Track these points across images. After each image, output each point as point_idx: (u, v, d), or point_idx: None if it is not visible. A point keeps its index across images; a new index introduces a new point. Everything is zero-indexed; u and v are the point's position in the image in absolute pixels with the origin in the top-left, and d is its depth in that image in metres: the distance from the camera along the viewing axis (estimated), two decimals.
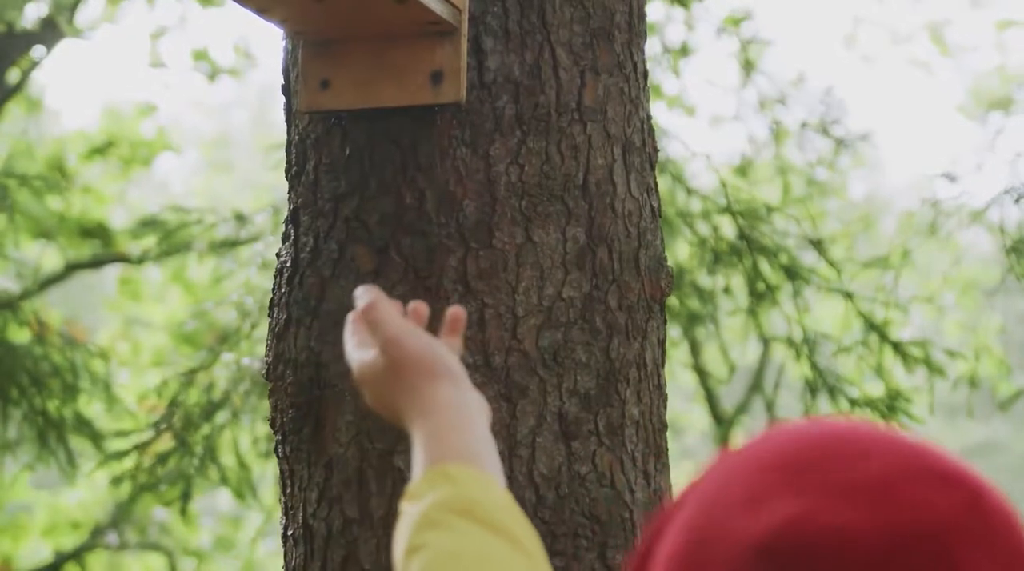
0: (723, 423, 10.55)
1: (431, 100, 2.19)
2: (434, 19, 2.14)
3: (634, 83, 2.36)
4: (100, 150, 10.15)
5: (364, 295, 1.76)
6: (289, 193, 2.36)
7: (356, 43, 2.22)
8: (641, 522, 2.25)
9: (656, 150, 2.42)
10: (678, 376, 10.47)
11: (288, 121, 2.39)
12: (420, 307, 1.83)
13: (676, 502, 1.15)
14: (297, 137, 2.35)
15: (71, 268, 10.28)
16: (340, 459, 2.22)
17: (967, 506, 1.07)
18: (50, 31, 9.77)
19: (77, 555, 10.55)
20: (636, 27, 2.38)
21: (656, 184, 2.42)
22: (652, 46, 8.20)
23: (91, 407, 6.35)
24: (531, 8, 2.26)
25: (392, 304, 1.76)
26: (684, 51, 8.31)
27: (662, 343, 2.38)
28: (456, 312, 1.84)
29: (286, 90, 2.40)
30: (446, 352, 1.72)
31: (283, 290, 2.33)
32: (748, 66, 7.35)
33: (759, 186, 6.80)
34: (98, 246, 9.33)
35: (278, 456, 2.35)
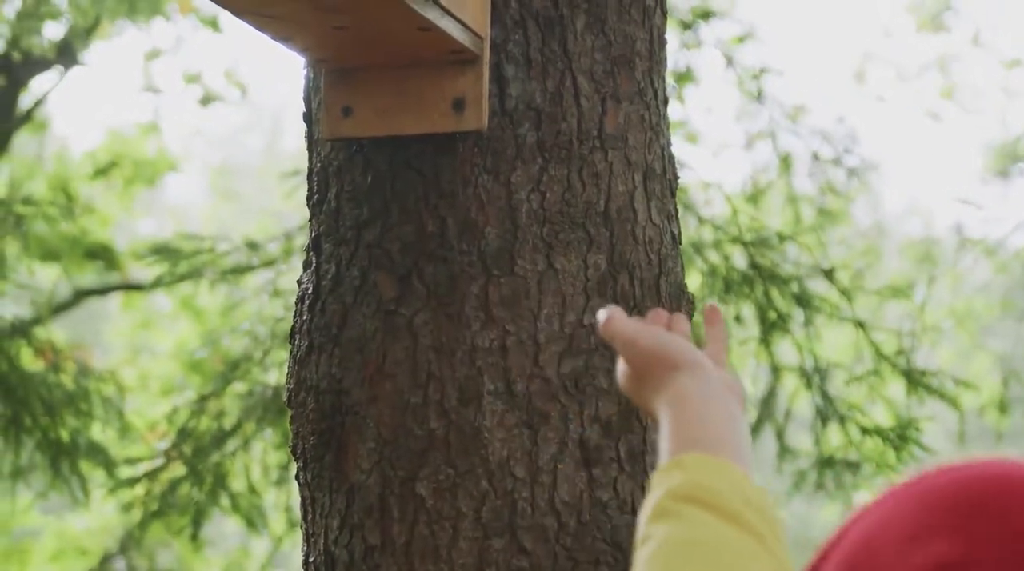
0: None
1: (453, 128, 2.20)
2: (457, 47, 2.15)
3: (655, 110, 2.37)
4: (104, 170, 10.17)
5: (601, 314, 1.75)
6: (311, 221, 2.37)
7: (378, 71, 2.23)
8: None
9: (676, 177, 2.43)
10: None
11: (310, 148, 2.40)
12: (659, 312, 1.81)
13: (838, 534, 1.14)
14: (319, 164, 2.36)
15: (80, 295, 10.30)
16: (362, 486, 2.22)
17: None
18: (64, 56, 9.80)
19: None
20: (656, 54, 2.39)
21: (676, 211, 2.42)
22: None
23: (103, 434, 6.35)
24: (552, 36, 2.26)
25: (627, 317, 1.74)
26: (688, 77, 8.33)
27: None
28: (712, 307, 1.85)
29: (307, 118, 2.40)
30: (681, 342, 1.68)
31: (305, 317, 2.33)
32: (756, 94, 7.36)
33: (769, 215, 6.81)
34: (102, 268, 9.34)
35: (299, 483, 2.35)
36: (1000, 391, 7.43)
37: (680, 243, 2.41)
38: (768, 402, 5.45)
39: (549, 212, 2.23)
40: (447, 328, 2.20)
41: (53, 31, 9.74)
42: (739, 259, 5.46)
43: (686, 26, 7.13)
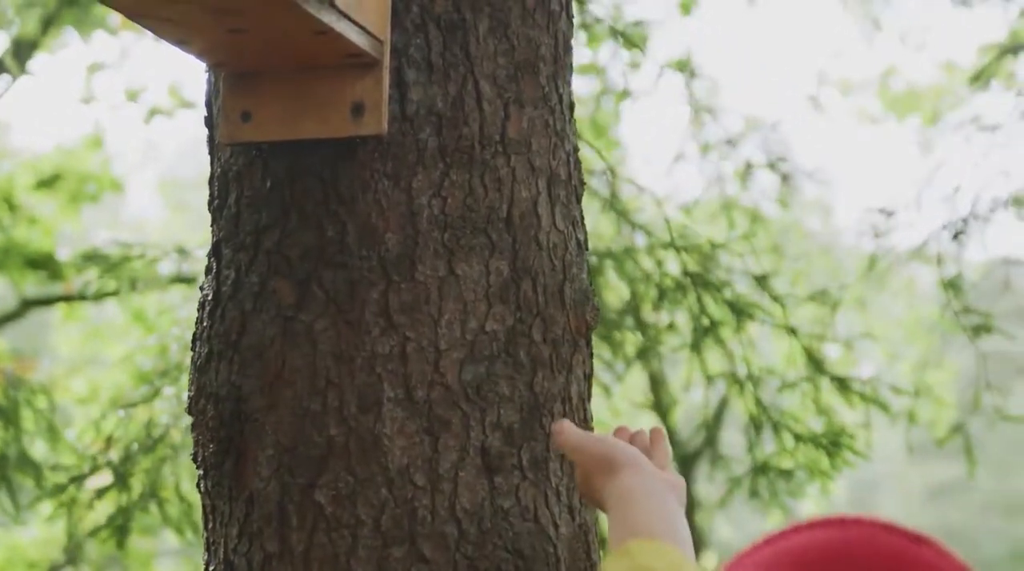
0: (684, 460, 10.56)
1: (352, 132, 2.18)
2: (355, 51, 2.13)
3: (559, 115, 2.35)
4: (48, 182, 10.09)
5: (554, 427, 2.00)
6: (212, 226, 2.35)
7: (277, 75, 2.21)
8: (565, 556, 2.23)
9: (582, 183, 2.42)
10: (632, 414, 10.48)
11: (211, 153, 2.38)
12: (624, 428, 2.08)
13: None
14: (219, 170, 2.34)
15: (26, 304, 10.22)
16: (261, 494, 2.19)
17: None
18: (12, 66, 9.73)
19: None
20: (562, 59, 2.38)
21: (582, 217, 2.41)
22: (592, 85, 8.22)
23: (34, 446, 6.29)
24: (454, 40, 2.25)
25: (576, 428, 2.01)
26: (625, 94, 8.34)
27: (588, 377, 2.37)
28: (657, 431, 2.08)
29: (208, 122, 2.38)
30: (624, 446, 1.93)
31: (205, 324, 2.31)
32: (696, 107, 7.37)
33: (705, 225, 6.80)
34: (44, 278, 9.27)
35: (200, 491, 2.33)
36: (940, 398, 7.46)
37: (587, 249, 2.40)
38: (704, 410, 5.48)
39: (450, 218, 2.21)
40: (347, 335, 2.18)
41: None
42: (673, 266, 5.45)
43: (635, 44, 7.12)
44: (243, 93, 2.24)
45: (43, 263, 9.49)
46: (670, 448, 2.06)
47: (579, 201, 2.39)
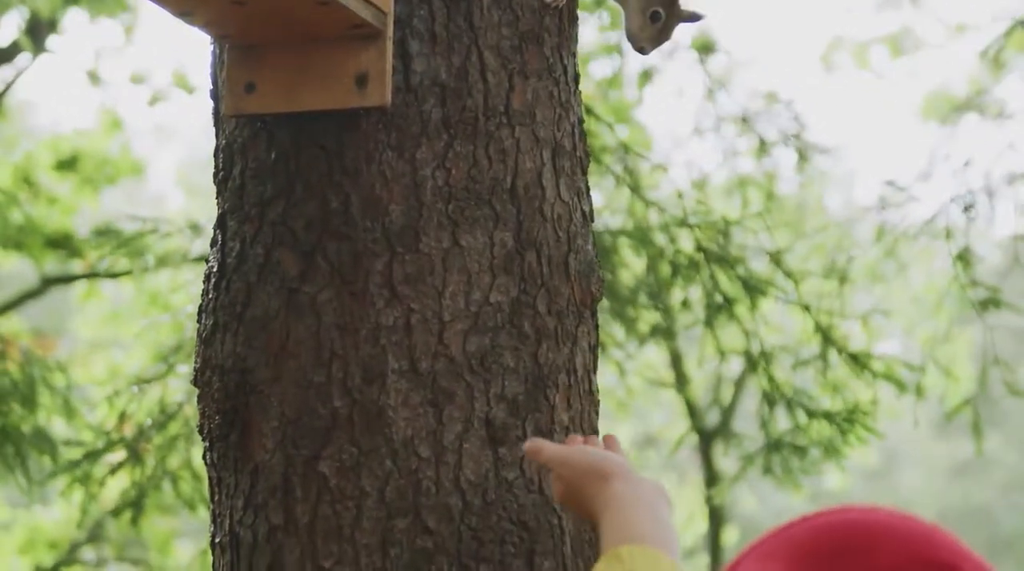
0: (704, 436, 10.54)
1: (356, 104, 2.17)
2: (358, 22, 2.13)
3: (564, 87, 2.35)
4: (67, 164, 10.09)
5: (527, 445, 2.00)
6: (217, 198, 2.35)
7: (280, 47, 2.21)
8: (570, 528, 2.23)
9: (588, 154, 2.41)
10: (649, 392, 10.47)
11: (216, 126, 2.38)
12: (575, 437, 2.07)
13: None
14: (224, 142, 2.34)
15: (47, 283, 10.24)
16: (266, 466, 2.20)
17: None
18: (33, 41, 9.74)
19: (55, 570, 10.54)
20: (567, 31, 2.37)
21: (588, 188, 2.40)
22: (613, 65, 8.20)
23: (51, 422, 6.31)
24: (458, 11, 2.24)
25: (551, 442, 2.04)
26: (647, 76, 8.33)
27: (594, 348, 2.37)
28: (610, 437, 2.08)
29: (214, 95, 2.38)
30: (609, 455, 1.95)
31: (210, 296, 2.31)
32: (714, 84, 7.36)
33: (721, 202, 6.79)
34: (63, 257, 9.28)
35: (206, 463, 2.33)
36: (966, 380, 7.41)
37: (592, 221, 2.39)
38: (717, 388, 5.46)
39: (454, 189, 2.21)
40: (351, 306, 2.18)
41: (15, 19, 9.68)
42: (686, 243, 5.44)
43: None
44: (247, 65, 2.24)
45: (62, 242, 9.50)
46: (624, 453, 2.07)
47: (584, 172, 2.39)
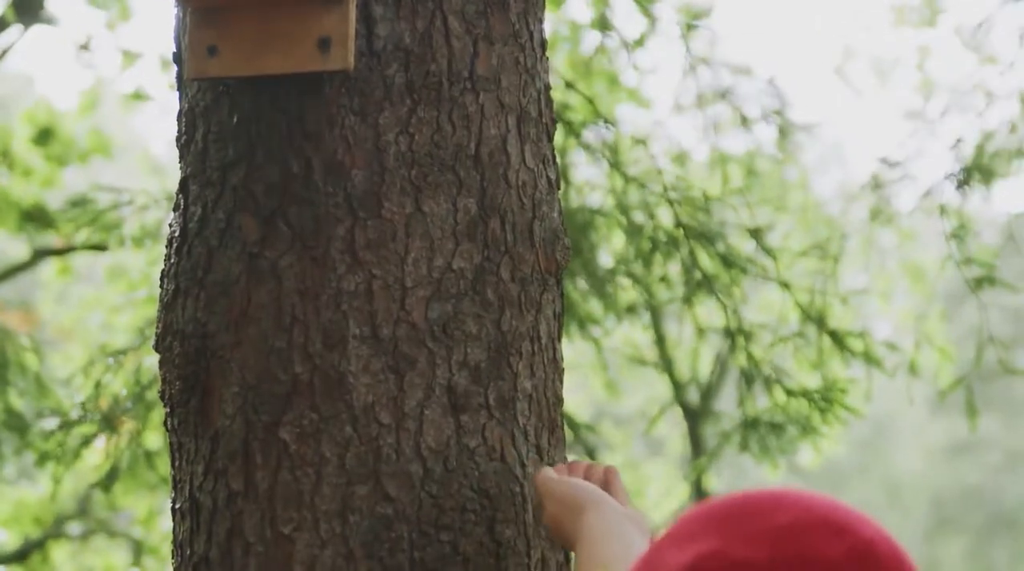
0: (691, 414, 10.55)
1: (319, 67, 2.15)
2: None
3: (530, 53, 2.33)
4: (42, 138, 10.04)
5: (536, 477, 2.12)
6: (180, 162, 2.33)
7: (243, 10, 2.19)
8: (532, 496, 2.22)
9: (554, 121, 2.39)
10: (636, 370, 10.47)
11: (179, 89, 2.36)
12: (578, 464, 2.18)
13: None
14: (187, 106, 2.32)
15: (37, 255, 10.21)
16: (226, 431, 2.18)
17: (856, 554, 1.28)
18: (24, 15, 9.69)
19: (41, 544, 10.55)
20: None
21: (554, 155, 2.39)
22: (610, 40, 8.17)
23: (23, 399, 6.28)
24: None
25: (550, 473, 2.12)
26: (640, 42, 8.28)
27: (558, 316, 2.35)
28: (611, 470, 2.17)
29: (177, 58, 2.36)
30: (588, 487, 2.04)
31: (172, 261, 2.30)
32: (695, 59, 7.32)
33: (701, 177, 6.77)
34: (41, 230, 9.25)
35: (167, 429, 2.32)
36: (944, 348, 7.40)
37: (558, 188, 2.38)
38: (693, 366, 5.46)
39: (418, 154, 2.20)
40: (312, 271, 2.16)
41: None
42: (666, 219, 5.42)
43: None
44: (209, 28, 2.22)
45: (36, 216, 9.47)
46: (623, 484, 2.16)
47: (550, 140, 2.37)
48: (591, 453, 10.96)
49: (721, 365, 9.88)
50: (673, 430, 12.29)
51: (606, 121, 5.43)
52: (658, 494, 12.22)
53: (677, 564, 1.30)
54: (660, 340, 9.94)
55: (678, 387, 10.22)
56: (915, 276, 9.64)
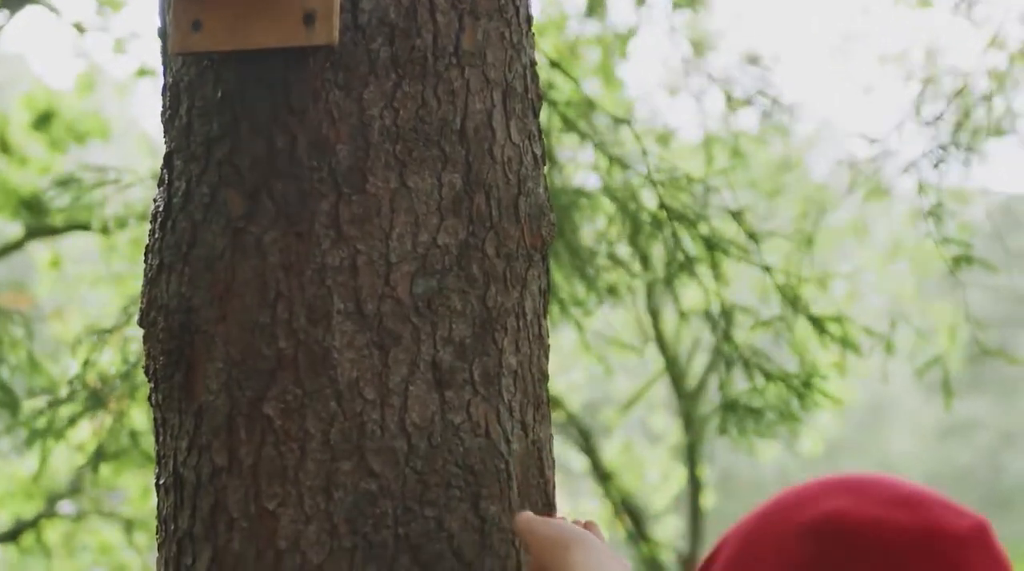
0: (684, 397, 10.55)
1: (303, 42, 2.15)
2: None
3: (516, 28, 2.33)
4: (41, 122, 10.02)
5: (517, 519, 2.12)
6: (164, 137, 2.32)
7: None
8: (517, 473, 2.22)
9: (540, 97, 2.39)
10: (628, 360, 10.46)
11: (164, 64, 2.35)
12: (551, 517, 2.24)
13: (727, 533, 1.43)
14: (171, 80, 2.31)
15: (30, 234, 10.19)
16: (210, 406, 2.18)
17: (978, 530, 1.36)
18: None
19: (35, 523, 10.56)
20: None
21: (540, 131, 2.38)
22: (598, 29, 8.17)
23: (15, 375, 6.27)
24: None
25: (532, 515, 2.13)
26: (632, 33, 8.27)
27: (544, 292, 2.35)
28: (591, 523, 2.21)
29: (162, 33, 2.35)
30: (573, 527, 2.04)
31: (157, 235, 2.29)
32: (695, 46, 7.33)
33: (685, 158, 6.77)
34: (37, 217, 9.24)
35: (151, 404, 2.31)
36: (920, 330, 7.42)
37: (544, 163, 2.38)
38: (672, 347, 5.45)
39: (402, 129, 2.19)
40: (296, 246, 2.16)
41: None
42: (649, 200, 5.42)
43: None
44: (194, 3, 2.21)
45: (34, 203, 9.46)
46: (604, 536, 2.17)
47: (536, 115, 2.37)
48: (586, 437, 10.97)
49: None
50: (671, 414, 12.31)
51: (590, 103, 5.42)
52: (656, 478, 12.24)
53: (806, 518, 1.33)
54: (655, 320, 9.93)
55: (672, 369, 10.21)
56: (897, 255, 9.66)
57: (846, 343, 5.28)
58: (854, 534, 1.31)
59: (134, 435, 4.87)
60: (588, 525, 2.17)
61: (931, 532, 1.33)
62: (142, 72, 10.22)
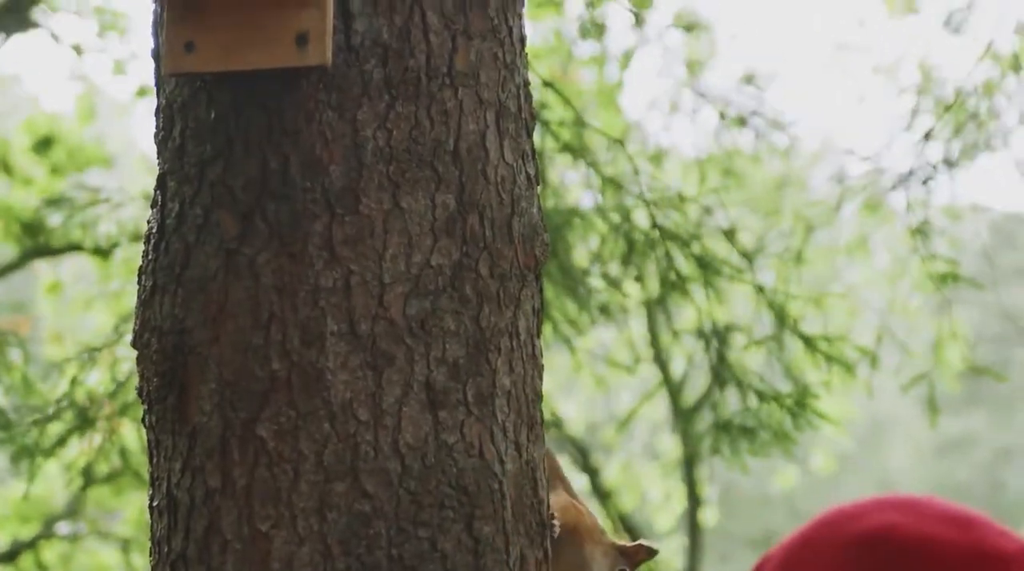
0: (683, 415, 10.53)
1: (296, 63, 2.15)
2: None
3: (509, 48, 2.33)
4: (41, 147, 10.00)
5: None
6: (158, 158, 2.32)
7: (220, 5, 2.18)
8: (511, 493, 2.22)
9: (533, 117, 2.39)
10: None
11: (157, 85, 2.35)
12: None
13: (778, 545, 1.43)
14: (164, 102, 2.31)
15: (26, 256, 10.17)
16: (203, 428, 2.17)
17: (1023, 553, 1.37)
18: (10, 19, 9.63)
19: (32, 544, 10.53)
20: None
21: (533, 151, 2.38)
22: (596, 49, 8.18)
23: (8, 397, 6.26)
24: None
25: None
26: (628, 56, 8.29)
27: (537, 312, 2.35)
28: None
29: (155, 54, 2.35)
30: None
31: (150, 257, 2.29)
32: (691, 65, 7.35)
33: (678, 177, 6.77)
34: (38, 242, 9.23)
35: (145, 426, 2.31)
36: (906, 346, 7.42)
37: (538, 183, 2.38)
38: (665, 367, 5.45)
39: (396, 150, 2.19)
40: (289, 267, 2.16)
41: None
42: (642, 220, 5.42)
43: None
44: (187, 23, 2.21)
45: (37, 229, 9.43)
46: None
47: (530, 135, 2.37)
48: (585, 456, 10.95)
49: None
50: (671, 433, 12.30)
51: (582, 122, 5.43)
52: (658, 498, 12.21)
53: (858, 531, 1.35)
54: (654, 339, 9.92)
55: (670, 388, 10.20)
56: (894, 272, 9.66)
57: (837, 361, 5.27)
58: (905, 549, 1.33)
59: (124, 454, 4.86)
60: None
61: (981, 552, 1.35)
62: (142, 92, 10.22)
